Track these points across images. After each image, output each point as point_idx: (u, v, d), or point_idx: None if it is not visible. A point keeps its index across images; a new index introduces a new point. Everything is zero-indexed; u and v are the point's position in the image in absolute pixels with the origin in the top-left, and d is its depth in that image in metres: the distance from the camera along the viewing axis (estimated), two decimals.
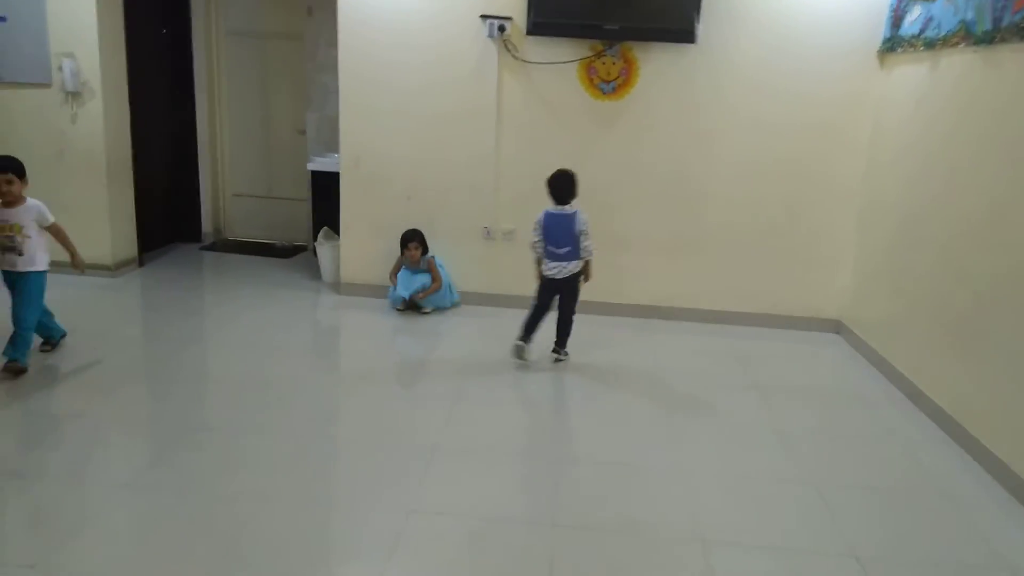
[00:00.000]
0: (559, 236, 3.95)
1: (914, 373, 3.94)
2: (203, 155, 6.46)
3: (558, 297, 4.11)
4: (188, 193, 6.46)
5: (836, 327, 4.93)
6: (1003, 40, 3.26)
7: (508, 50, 4.76)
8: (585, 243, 3.96)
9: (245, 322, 4.69)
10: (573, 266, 4.00)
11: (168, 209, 6.34)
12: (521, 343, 4.08)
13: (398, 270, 4.96)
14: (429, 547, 2.50)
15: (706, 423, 3.58)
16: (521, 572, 2.39)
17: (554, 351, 4.17)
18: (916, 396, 3.85)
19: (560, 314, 4.15)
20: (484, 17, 4.68)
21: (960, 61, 3.66)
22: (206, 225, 6.58)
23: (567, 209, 3.95)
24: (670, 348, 4.57)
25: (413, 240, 4.89)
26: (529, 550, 2.51)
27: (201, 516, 2.60)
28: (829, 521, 2.78)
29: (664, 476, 3.05)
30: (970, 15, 3.51)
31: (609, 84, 4.81)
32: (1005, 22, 3.23)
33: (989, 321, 3.29)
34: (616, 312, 5.07)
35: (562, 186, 3.97)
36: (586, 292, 5.04)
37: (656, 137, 4.87)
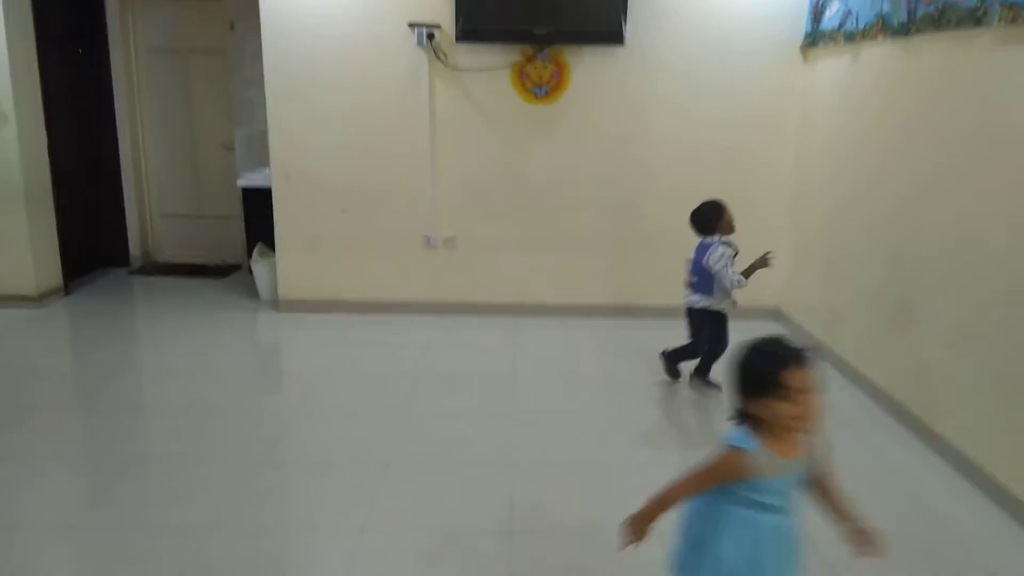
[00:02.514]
0: (693, 265, 3.76)
1: (852, 356, 4.05)
2: (127, 176, 6.22)
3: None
4: (113, 216, 6.22)
5: (775, 315, 5.05)
6: (918, 31, 3.38)
7: (438, 58, 4.73)
8: (720, 277, 3.62)
9: (181, 347, 4.53)
10: (699, 299, 3.74)
11: (93, 234, 6.09)
12: (666, 369, 3.97)
13: None
14: (384, 565, 2.45)
15: (656, 416, 3.62)
16: None
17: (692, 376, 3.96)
18: (856, 378, 3.96)
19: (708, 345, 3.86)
20: (412, 25, 4.64)
21: (879, 53, 3.78)
22: (134, 248, 6.35)
23: (707, 240, 3.70)
24: (623, 345, 4.60)
25: None
26: (487, 560, 2.47)
27: (146, 552, 2.49)
28: None
29: (623, 474, 3.05)
30: (886, 8, 3.63)
31: (542, 88, 4.83)
32: (919, 14, 3.35)
33: (920, 301, 3.40)
34: (564, 313, 5.08)
35: (699, 216, 3.74)
36: (527, 295, 5.09)
37: (592, 138, 4.90)
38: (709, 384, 3.88)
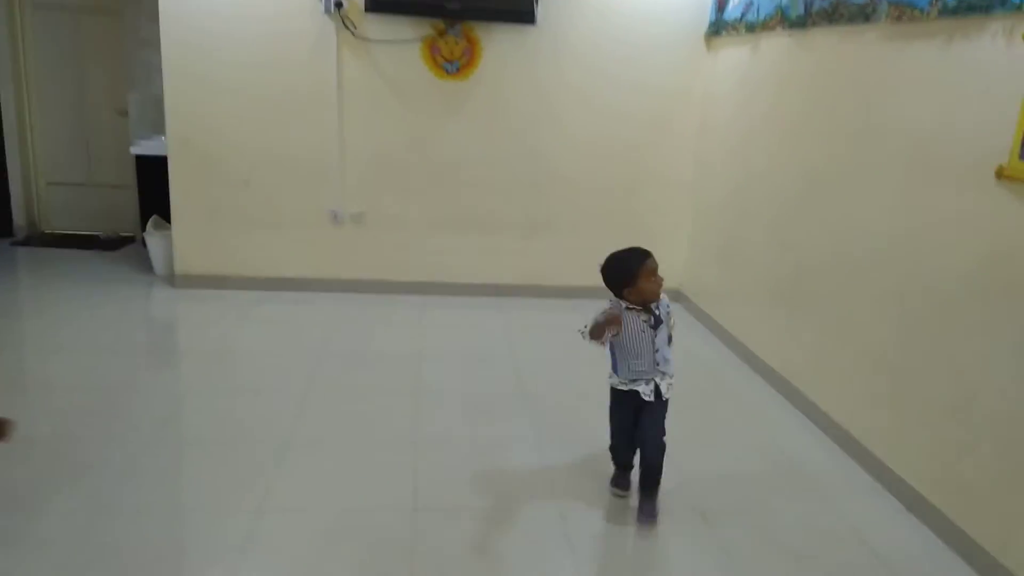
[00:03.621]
0: None
1: (744, 335, 4.23)
2: (10, 141, 5.83)
3: None
4: None
5: (676, 296, 5.20)
6: (814, 24, 3.52)
7: (347, 27, 4.61)
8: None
9: (67, 322, 4.29)
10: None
11: None
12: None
13: None
14: (283, 545, 2.41)
15: (550, 392, 3.67)
16: (381, 560, 2.36)
17: None
18: (749, 358, 4.14)
19: None
20: None
21: (777, 44, 3.92)
22: (18, 218, 5.96)
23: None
24: (523, 325, 4.64)
25: None
26: (389, 539, 2.47)
27: (31, 535, 2.36)
28: (677, 481, 2.93)
29: (520, 448, 3.10)
30: (785, 0, 3.76)
31: (453, 64, 4.78)
32: (815, 7, 3.49)
33: (809, 286, 3.57)
34: (474, 292, 5.08)
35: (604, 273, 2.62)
36: (436, 273, 5.06)
37: (503, 117, 4.90)
38: (616, 493, 2.82)
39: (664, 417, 2.62)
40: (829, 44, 3.44)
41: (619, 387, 2.64)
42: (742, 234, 4.32)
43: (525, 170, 4.99)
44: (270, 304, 4.75)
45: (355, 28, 4.62)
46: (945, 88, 2.69)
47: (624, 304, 2.55)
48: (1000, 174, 2.40)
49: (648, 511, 2.64)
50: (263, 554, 2.36)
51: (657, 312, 2.56)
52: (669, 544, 2.56)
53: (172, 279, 4.96)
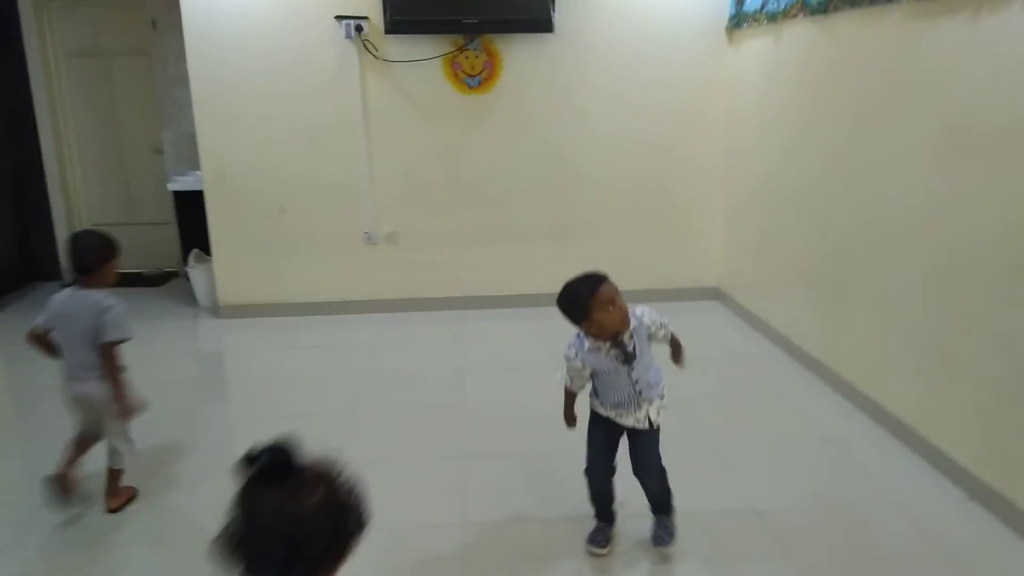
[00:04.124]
0: None
1: (788, 329, 4.16)
2: (53, 186, 6.00)
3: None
4: (41, 228, 6.00)
5: (715, 294, 5.14)
6: (836, 9, 3.47)
7: (368, 50, 4.67)
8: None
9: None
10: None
11: (21, 248, 5.87)
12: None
13: None
14: None
15: None
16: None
17: None
18: (792, 350, 4.07)
19: None
20: (339, 18, 4.57)
21: (800, 32, 3.87)
22: (65, 260, 6.14)
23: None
24: (562, 333, 4.62)
25: None
26: (440, 555, 2.47)
27: (96, 566, 2.43)
28: (726, 479, 2.89)
29: (566, 456, 3.08)
30: None
31: (474, 78, 4.81)
32: None
33: (848, 274, 3.51)
34: (511, 304, 5.08)
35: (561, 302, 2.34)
36: (472, 288, 5.08)
37: (527, 127, 4.91)
38: (592, 551, 2.48)
39: (658, 443, 2.37)
40: (853, 28, 3.38)
41: (598, 411, 2.39)
42: (777, 224, 4.26)
43: (553, 177, 4.99)
44: (311, 328, 4.81)
45: (376, 51, 4.68)
46: (975, 61, 2.63)
47: (587, 344, 2.24)
48: None
49: (663, 536, 2.44)
50: None
51: (631, 346, 2.21)
52: (726, 539, 2.52)
53: (216, 310, 5.06)
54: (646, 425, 2.31)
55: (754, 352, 4.27)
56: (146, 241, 6.19)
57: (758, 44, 4.40)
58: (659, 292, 5.00)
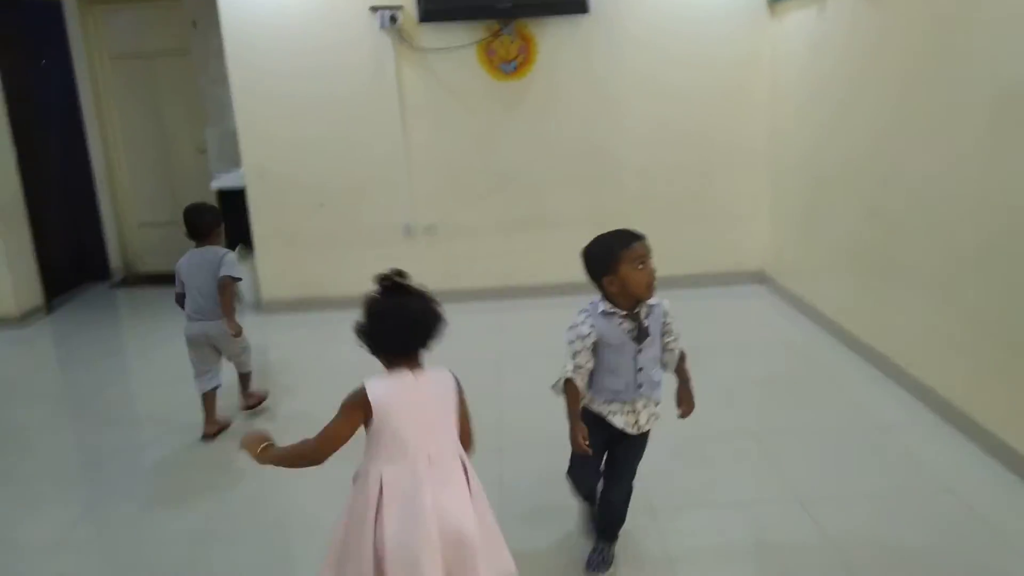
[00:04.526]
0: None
1: (836, 313, 4.02)
2: (101, 186, 6.16)
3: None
4: (90, 228, 6.16)
5: (760, 278, 5.00)
6: None
7: (403, 40, 4.66)
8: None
9: (169, 357, 4.46)
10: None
11: (71, 249, 6.03)
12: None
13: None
14: None
15: None
16: None
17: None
18: (840, 334, 3.93)
19: None
20: (374, 9, 4.57)
21: (846, 2, 3.72)
22: (114, 260, 6.30)
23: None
24: None
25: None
26: None
27: (157, 560, 2.47)
28: (771, 469, 2.81)
29: None
30: None
31: (509, 64, 4.75)
32: None
33: (899, 253, 3.36)
34: (550, 293, 5.02)
35: (585, 258, 2.13)
36: (511, 277, 5.03)
37: (564, 112, 4.84)
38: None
39: (640, 456, 2.18)
40: None
41: (590, 407, 2.12)
42: (823, 204, 4.12)
43: (592, 163, 4.92)
44: (352, 323, 4.82)
45: (412, 40, 4.67)
46: None
47: (602, 307, 2.03)
48: None
49: (598, 561, 2.21)
50: None
51: (646, 322, 2.03)
52: (771, 531, 2.44)
53: (259, 305, 5.12)
54: (635, 430, 2.10)
55: (801, 337, 4.15)
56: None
57: (801, 15, 4.25)
58: (702, 277, 4.88)
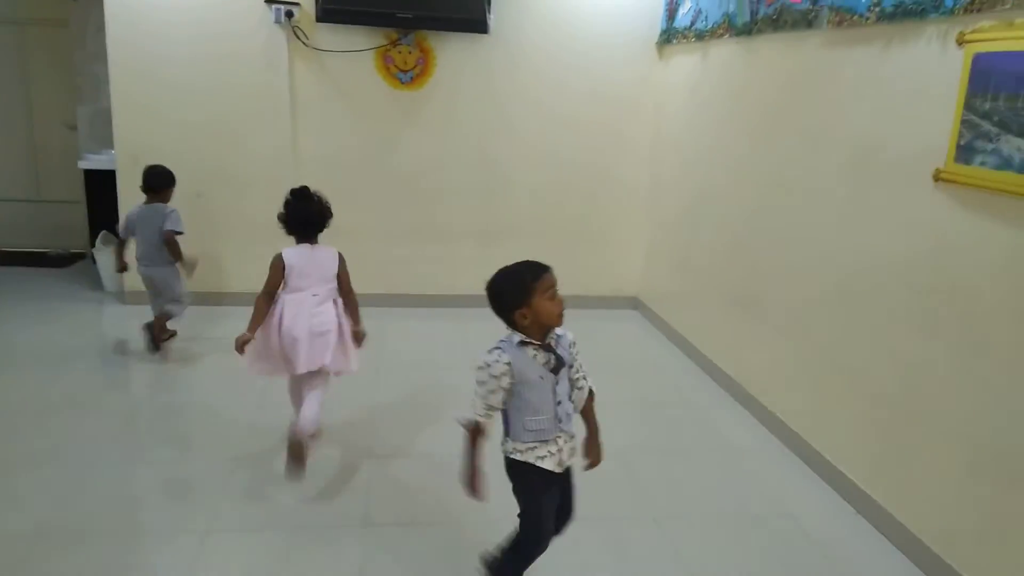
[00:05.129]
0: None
1: (699, 341, 4.25)
2: None
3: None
4: None
5: (634, 303, 5.22)
6: (759, 31, 3.56)
7: (298, 37, 4.57)
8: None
9: (15, 341, 4.17)
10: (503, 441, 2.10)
11: None
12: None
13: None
14: (229, 567, 2.35)
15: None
16: None
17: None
18: (702, 361, 4.16)
19: None
20: (269, 2, 4.46)
21: (725, 51, 3.97)
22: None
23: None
24: (485, 335, 4.60)
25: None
26: (338, 555, 2.43)
27: None
28: (630, 486, 2.92)
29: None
30: (732, 8, 3.81)
31: (407, 73, 4.76)
32: (761, 14, 3.53)
33: (758, 287, 3.60)
34: (433, 304, 5.04)
35: (490, 292, 2.06)
36: (395, 285, 5.01)
37: (459, 127, 4.88)
38: None
39: (574, 494, 2.13)
40: (774, 51, 3.48)
41: (517, 456, 1.99)
42: (692, 236, 4.35)
43: (482, 179, 4.98)
44: (224, 319, 4.65)
45: (307, 38, 4.59)
46: (885, 92, 2.74)
47: (517, 338, 1.96)
48: (937, 176, 2.44)
49: None
50: (212, 573, 2.30)
51: (559, 352, 1.99)
52: (627, 547, 2.54)
53: (122, 296, 4.85)
54: (559, 469, 2.01)
55: (667, 361, 4.35)
56: (53, 220, 5.92)
57: (686, 61, 4.49)
58: (581, 299, 5.02)
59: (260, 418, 3.34)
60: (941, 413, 2.44)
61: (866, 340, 2.82)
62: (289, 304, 2.74)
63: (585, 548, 2.52)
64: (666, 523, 2.69)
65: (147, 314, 4.10)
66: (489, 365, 1.94)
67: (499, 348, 1.97)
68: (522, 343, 1.95)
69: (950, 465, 2.40)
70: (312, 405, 2.77)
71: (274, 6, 4.44)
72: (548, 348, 1.97)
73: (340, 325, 2.84)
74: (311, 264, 2.79)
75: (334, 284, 2.85)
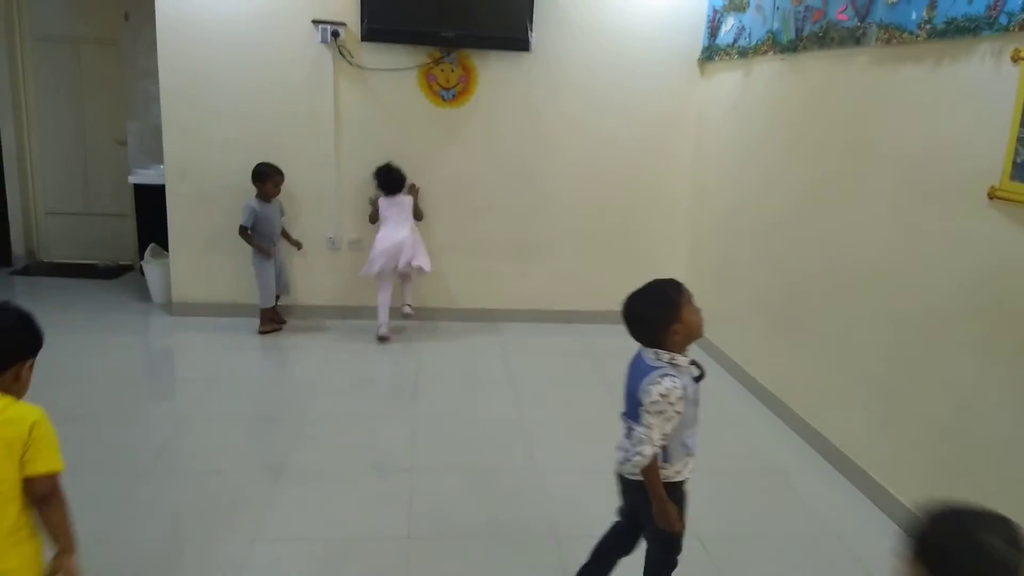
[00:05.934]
0: (627, 396, 2.07)
1: (741, 358, 4.21)
2: (10, 170, 5.86)
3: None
4: None
5: None
6: (805, 48, 3.55)
7: (343, 56, 4.66)
8: (638, 431, 1.93)
9: (65, 352, 4.27)
10: (630, 460, 1.97)
11: None
12: None
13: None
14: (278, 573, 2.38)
15: (558, 419, 3.65)
16: None
17: None
18: (745, 379, 4.12)
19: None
20: (316, 22, 4.55)
21: (769, 68, 3.95)
22: (17, 247, 5.98)
23: (644, 354, 2.04)
24: (524, 349, 4.63)
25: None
26: (384, 566, 2.44)
27: None
28: None
29: (519, 476, 3.07)
30: (776, 25, 3.80)
31: (449, 91, 4.82)
32: (806, 32, 3.52)
33: (802, 308, 3.56)
34: (472, 317, 5.07)
35: (629, 311, 2.09)
36: (433, 299, 5.05)
37: (500, 144, 4.92)
38: None
39: None
40: (820, 68, 3.46)
41: (677, 479, 2.00)
42: (736, 255, 4.32)
43: (523, 196, 5.01)
44: (274, 337, 4.73)
45: (352, 57, 4.67)
46: (936, 109, 2.71)
47: (676, 359, 1.93)
48: (992, 194, 2.41)
49: None
50: None
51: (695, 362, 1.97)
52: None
53: (170, 307, 4.96)
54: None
55: (708, 379, 4.30)
56: (103, 233, 6.08)
57: (728, 78, 4.48)
58: (619, 315, 5.00)
59: (306, 427, 3.38)
60: (996, 439, 2.39)
61: (916, 365, 2.77)
62: (384, 229, 4.58)
63: (627, 571, 2.50)
64: (710, 543, 2.65)
65: (197, 326, 4.17)
66: (668, 393, 1.88)
67: (668, 375, 1.90)
68: (672, 362, 1.93)
69: (1004, 492, 2.34)
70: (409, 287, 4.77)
71: (320, 26, 4.54)
72: (693, 361, 1.98)
73: (414, 240, 4.60)
74: (394, 207, 4.61)
75: (412, 219, 4.66)
